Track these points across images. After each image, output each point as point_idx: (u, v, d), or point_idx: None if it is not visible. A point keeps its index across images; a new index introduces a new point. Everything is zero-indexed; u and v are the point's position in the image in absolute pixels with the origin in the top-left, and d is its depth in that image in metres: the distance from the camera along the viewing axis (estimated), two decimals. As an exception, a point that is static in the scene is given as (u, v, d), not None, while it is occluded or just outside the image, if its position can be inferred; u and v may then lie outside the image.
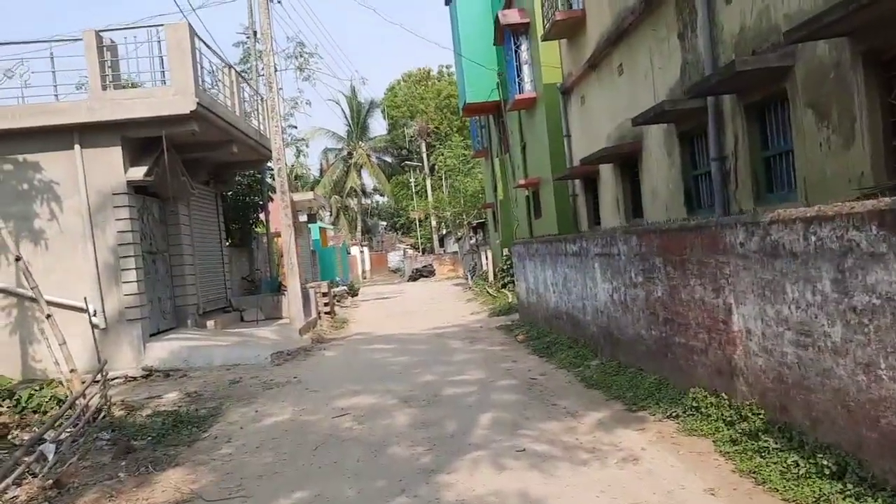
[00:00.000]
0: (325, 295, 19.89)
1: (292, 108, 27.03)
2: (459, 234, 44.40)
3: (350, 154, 56.30)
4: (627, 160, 11.87)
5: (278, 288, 19.78)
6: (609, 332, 9.09)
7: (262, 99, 17.83)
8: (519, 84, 19.45)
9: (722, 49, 8.12)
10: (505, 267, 22.45)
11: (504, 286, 22.03)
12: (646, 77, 10.52)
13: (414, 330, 16.35)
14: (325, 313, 19.63)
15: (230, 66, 15.38)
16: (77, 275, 12.27)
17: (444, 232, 53.83)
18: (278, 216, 16.74)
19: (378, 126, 61.86)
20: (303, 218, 26.02)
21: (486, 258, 28.67)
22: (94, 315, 12.33)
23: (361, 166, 56.26)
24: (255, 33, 18.89)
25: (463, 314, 19.25)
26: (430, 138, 53.07)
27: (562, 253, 11.07)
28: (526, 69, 19.41)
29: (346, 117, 57.19)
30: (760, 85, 7.30)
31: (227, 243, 18.88)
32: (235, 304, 17.88)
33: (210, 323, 15.28)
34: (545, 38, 14.78)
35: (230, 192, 19.50)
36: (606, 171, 13.03)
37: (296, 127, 28.51)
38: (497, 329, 15.02)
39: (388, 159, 60.20)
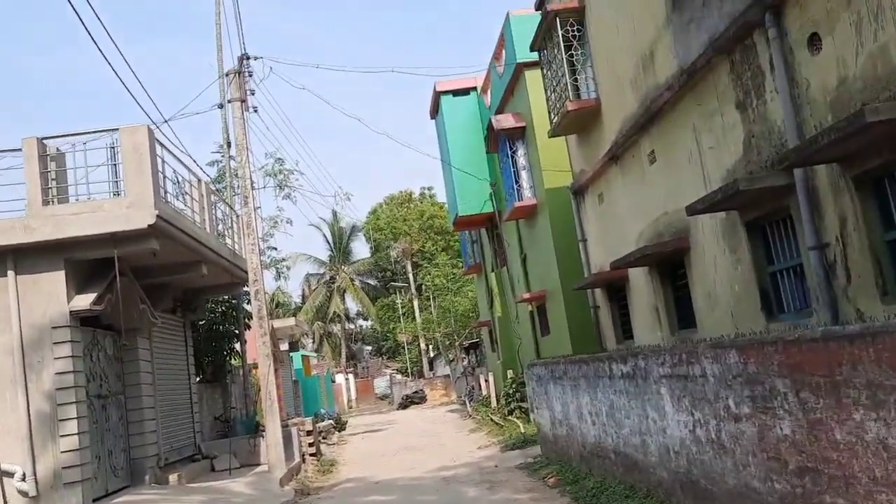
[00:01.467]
0: (309, 433, 17.37)
1: (272, 227, 25.26)
2: (451, 355, 41.89)
3: (333, 279, 54.59)
4: (667, 261, 10.07)
5: (256, 428, 17.22)
6: (691, 479, 6.89)
7: (237, 216, 16.08)
8: (517, 191, 18.05)
9: (810, 110, 6.50)
10: (511, 391, 20.11)
11: (511, 412, 19.61)
12: (690, 160, 8.90)
13: (416, 472, 13.84)
14: (311, 455, 17.04)
15: (200, 179, 13.67)
16: (3, 429, 9.93)
17: (434, 354, 51.25)
18: (256, 346, 14.59)
19: (361, 249, 60.55)
20: (284, 346, 23.74)
21: (486, 381, 26.25)
22: (24, 479, 9.93)
23: (345, 290, 54.42)
24: (228, 144, 17.29)
25: (469, 449, 16.73)
26: (416, 257, 51.60)
27: (604, 375, 8.99)
28: (524, 175, 18.08)
29: (328, 242, 56.03)
30: (882, 146, 5.61)
31: (198, 379, 16.49)
32: (205, 451, 15.29)
33: (173, 477, 12.70)
34: (553, 134, 13.33)
35: (201, 321, 17.31)
36: (638, 277, 11.19)
37: (276, 248, 27.15)
38: (517, 469, 12.59)
39: (373, 282, 58.52)
